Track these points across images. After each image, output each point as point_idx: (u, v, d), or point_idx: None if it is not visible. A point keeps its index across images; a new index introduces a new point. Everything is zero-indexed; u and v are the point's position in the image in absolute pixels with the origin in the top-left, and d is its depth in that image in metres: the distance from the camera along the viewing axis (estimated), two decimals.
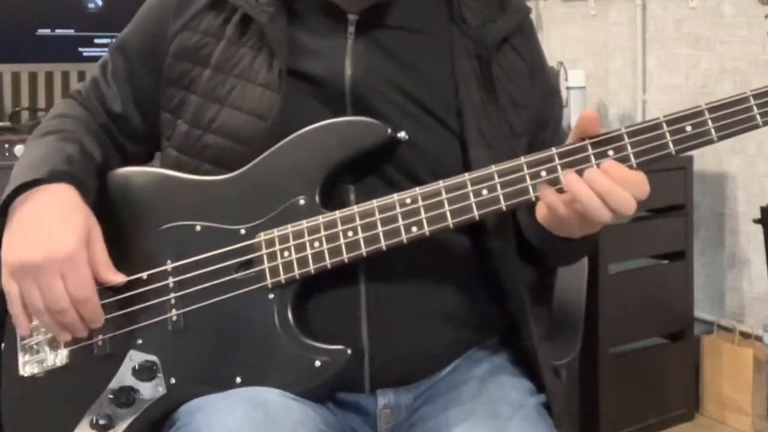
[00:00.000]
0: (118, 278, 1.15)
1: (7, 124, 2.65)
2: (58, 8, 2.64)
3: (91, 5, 2.66)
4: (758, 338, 2.78)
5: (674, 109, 1.09)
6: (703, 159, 2.90)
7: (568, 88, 3.00)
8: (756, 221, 2.59)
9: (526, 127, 1.25)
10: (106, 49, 1.35)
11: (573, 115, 2.94)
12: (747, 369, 2.77)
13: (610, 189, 1.04)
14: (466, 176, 1.10)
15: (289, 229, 1.12)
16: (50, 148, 1.20)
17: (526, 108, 1.25)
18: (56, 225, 1.11)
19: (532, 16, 2.41)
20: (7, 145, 2.29)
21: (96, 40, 2.67)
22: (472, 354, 1.22)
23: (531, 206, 1.14)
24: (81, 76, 2.76)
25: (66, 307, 1.11)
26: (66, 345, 1.17)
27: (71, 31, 2.65)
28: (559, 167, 1.08)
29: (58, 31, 2.63)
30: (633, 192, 1.05)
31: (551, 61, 2.69)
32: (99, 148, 1.24)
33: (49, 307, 1.11)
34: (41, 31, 2.61)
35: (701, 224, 2.98)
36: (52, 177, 1.14)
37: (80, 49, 2.66)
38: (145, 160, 1.31)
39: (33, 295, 1.11)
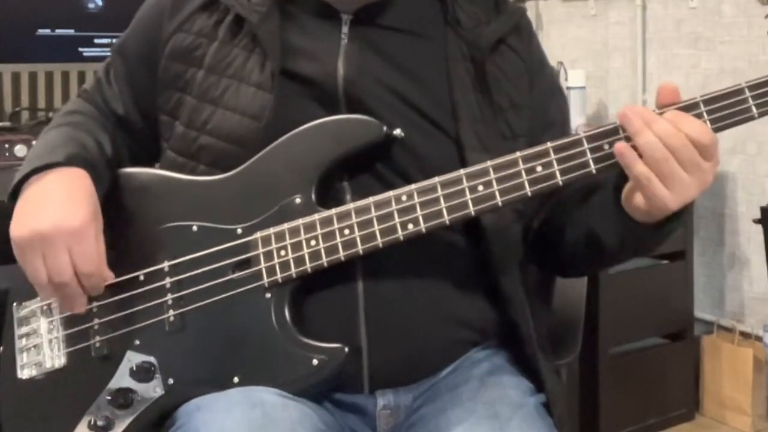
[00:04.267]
0: (108, 275, 1.14)
1: (7, 124, 2.65)
2: (58, 8, 2.64)
3: (91, 5, 2.66)
4: (758, 338, 2.78)
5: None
6: None
7: (568, 88, 2.99)
8: (756, 221, 2.58)
9: (526, 127, 1.24)
10: (106, 49, 1.35)
11: (573, 115, 2.93)
12: (747, 369, 2.77)
13: (653, 118, 1.04)
14: (462, 172, 1.10)
15: (286, 227, 1.12)
16: (66, 136, 1.21)
17: (526, 108, 1.25)
18: (66, 200, 1.11)
19: (533, 16, 2.41)
20: (7, 145, 2.29)
21: (96, 40, 2.67)
22: (472, 354, 1.22)
23: (617, 201, 1.12)
24: (81, 76, 2.75)
25: (68, 280, 1.10)
26: (64, 347, 1.18)
27: (71, 31, 2.64)
28: (555, 162, 1.08)
29: (58, 31, 2.63)
30: (686, 131, 1.03)
31: (551, 61, 2.68)
32: (110, 143, 1.25)
33: (52, 279, 1.10)
34: (41, 31, 2.60)
35: (701, 224, 2.98)
36: (69, 161, 1.14)
37: (80, 49, 2.66)
38: (152, 160, 1.31)
39: (37, 267, 1.10)
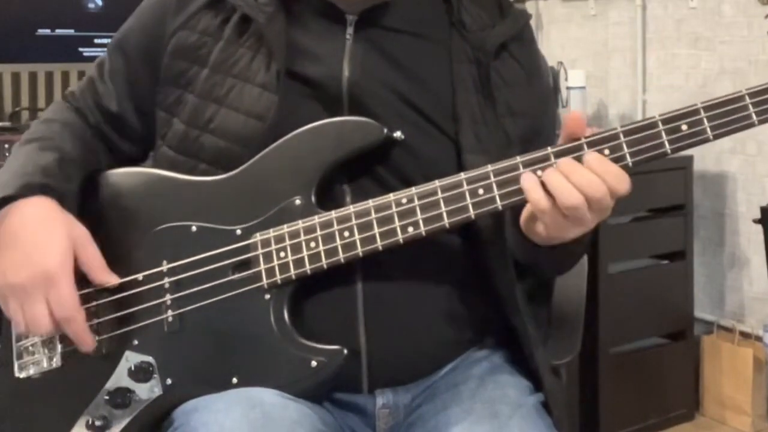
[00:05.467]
0: (111, 279, 1.15)
1: (7, 124, 2.65)
2: (58, 8, 2.64)
3: (91, 5, 2.66)
4: (758, 338, 2.78)
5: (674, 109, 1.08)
6: (703, 159, 2.90)
7: (568, 88, 2.99)
8: (756, 221, 2.58)
9: (521, 135, 1.24)
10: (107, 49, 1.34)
11: None
12: (747, 369, 2.77)
13: (574, 168, 1.05)
14: (462, 176, 1.10)
15: (285, 229, 1.12)
16: (27, 159, 1.20)
17: (523, 116, 1.25)
18: (36, 244, 1.10)
19: (532, 16, 2.41)
20: (7, 145, 2.29)
21: (96, 40, 2.67)
22: (471, 354, 1.22)
23: (517, 223, 1.14)
24: (81, 76, 2.74)
25: (48, 330, 1.11)
26: (62, 347, 1.17)
27: (71, 31, 2.65)
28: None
29: (58, 31, 2.63)
30: (609, 181, 1.05)
31: (551, 61, 2.69)
32: (83, 152, 1.24)
33: (32, 331, 1.12)
34: (41, 31, 2.61)
35: (701, 224, 2.97)
36: (26, 191, 1.14)
37: (80, 49, 2.66)
38: (140, 159, 1.31)
39: (18, 318, 1.11)
